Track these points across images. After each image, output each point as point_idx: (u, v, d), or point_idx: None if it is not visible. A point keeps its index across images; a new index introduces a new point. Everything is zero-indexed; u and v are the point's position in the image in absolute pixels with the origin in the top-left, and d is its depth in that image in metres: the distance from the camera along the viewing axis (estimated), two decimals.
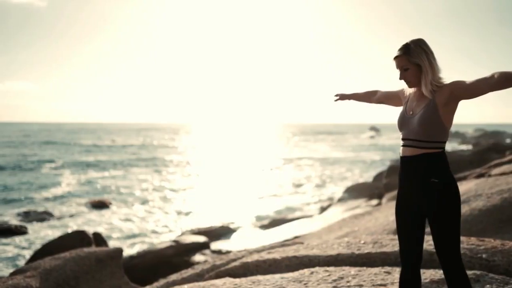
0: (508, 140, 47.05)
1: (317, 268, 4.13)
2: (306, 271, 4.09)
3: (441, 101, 2.63)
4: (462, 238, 4.50)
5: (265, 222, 19.18)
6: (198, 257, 13.68)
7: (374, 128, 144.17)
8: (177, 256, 13.73)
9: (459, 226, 2.61)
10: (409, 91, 2.86)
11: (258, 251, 5.27)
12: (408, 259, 2.79)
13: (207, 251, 14.57)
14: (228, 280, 4.21)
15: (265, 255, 4.66)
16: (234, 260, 4.99)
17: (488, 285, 3.63)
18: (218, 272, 4.71)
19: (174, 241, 14.59)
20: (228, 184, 32.09)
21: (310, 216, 19.31)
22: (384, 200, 18.04)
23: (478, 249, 4.24)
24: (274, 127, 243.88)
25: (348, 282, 3.74)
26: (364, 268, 4.08)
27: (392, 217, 7.84)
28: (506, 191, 7.04)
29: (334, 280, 3.81)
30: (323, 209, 21.01)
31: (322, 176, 37.97)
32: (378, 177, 26.10)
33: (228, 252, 13.86)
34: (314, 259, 4.40)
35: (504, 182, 7.68)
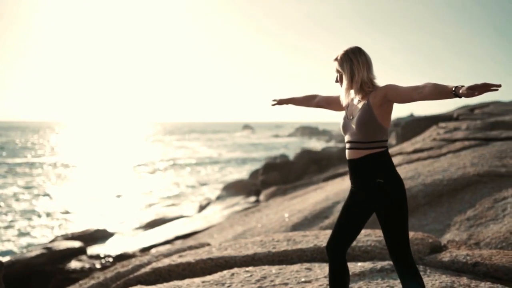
0: None
1: (236, 269, 3.96)
2: (226, 273, 3.90)
3: (376, 103, 2.68)
4: (369, 231, 4.64)
5: (143, 223, 18.56)
6: (74, 264, 12.74)
7: (248, 127, 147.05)
8: (50, 264, 12.69)
9: (407, 223, 2.68)
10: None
11: (165, 255, 4.94)
12: (337, 248, 2.79)
13: (83, 257, 13.62)
14: None
15: (177, 259, 4.36)
16: (141, 266, 4.61)
17: None
18: (126, 281, 4.31)
19: (46, 248, 13.42)
20: (102, 187, 30.52)
21: (189, 215, 19.09)
22: (262, 196, 18.44)
23: None
24: (146, 126, 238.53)
25: (272, 281, 3.63)
26: (284, 266, 4.01)
27: (286, 214, 7.97)
28: None
29: (258, 280, 3.68)
30: (202, 208, 20.89)
31: (199, 175, 37.85)
32: (254, 174, 26.68)
33: (107, 256, 13.15)
34: (230, 260, 4.23)
35: None
